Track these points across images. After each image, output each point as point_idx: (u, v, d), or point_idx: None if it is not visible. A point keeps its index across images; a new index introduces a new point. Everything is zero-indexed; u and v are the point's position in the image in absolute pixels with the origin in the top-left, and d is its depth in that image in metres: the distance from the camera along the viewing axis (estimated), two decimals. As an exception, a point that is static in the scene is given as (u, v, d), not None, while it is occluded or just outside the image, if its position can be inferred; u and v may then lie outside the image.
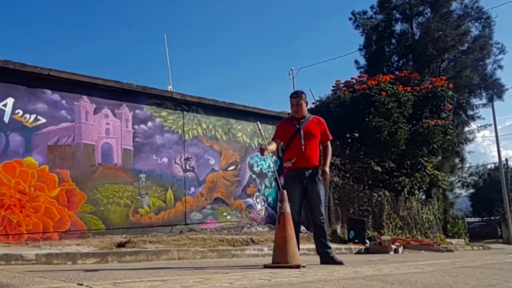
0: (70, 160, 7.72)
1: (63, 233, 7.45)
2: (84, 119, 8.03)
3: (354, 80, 14.65)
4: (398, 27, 20.07)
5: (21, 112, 7.30)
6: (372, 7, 20.81)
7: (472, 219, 37.15)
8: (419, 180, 14.20)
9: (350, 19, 20.96)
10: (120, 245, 7.15)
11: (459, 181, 24.96)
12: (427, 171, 14.50)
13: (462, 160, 21.77)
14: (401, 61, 19.97)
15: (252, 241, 8.61)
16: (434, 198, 16.40)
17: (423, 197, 16.74)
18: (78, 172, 7.76)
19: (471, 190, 36.06)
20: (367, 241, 10.27)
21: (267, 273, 3.13)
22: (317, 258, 4.72)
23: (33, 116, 7.42)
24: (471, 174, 30.59)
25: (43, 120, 7.52)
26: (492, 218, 36.88)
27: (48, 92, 7.67)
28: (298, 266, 3.83)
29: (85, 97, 8.06)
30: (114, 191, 8.12)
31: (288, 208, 3.99)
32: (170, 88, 9.77)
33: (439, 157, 17.06)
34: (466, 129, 20.51)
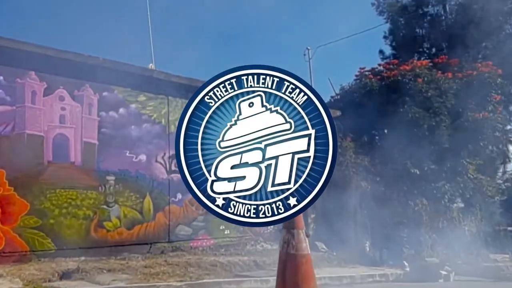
0: (7, 156, 6.06)
1: (-7, 256, 5.48)
2: (30, 102, 6.33)
3: (381, 67, 12.48)
4: (429, 10, 17.71)
5: None
6: (398, -11, 18.46)
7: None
8: (462, 186, 11.87)
9: (373, 4, 18.73)
10: (65, 275, 5.13)
11: (493, 187, 22.27)
12: (469, 175, 12.20)
13: (505, 163, 19.13)
14: (433, 48, 17.59)
15: (256, 264, 6.75)
16: (476, 207, 13.96)
17: (462, 205, 14.47)
18: (19, 173, 6.06)
19: (505, 197, 33.11)
20: (406, 264, 8.19)
21: None
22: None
23: (-45, 96, 5.65)
24: (506, 180, 27.67)
25: (-30, 102, 5.72)
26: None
27: (-21, 64, 5.79)
28: None
29: (32, 73, 6.40)
30: (69, 199, 6.41)
31: (305, 245, 1.80)
32: (151, 66, 7.75)
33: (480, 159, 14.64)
34: (508, 127, 17.92)
